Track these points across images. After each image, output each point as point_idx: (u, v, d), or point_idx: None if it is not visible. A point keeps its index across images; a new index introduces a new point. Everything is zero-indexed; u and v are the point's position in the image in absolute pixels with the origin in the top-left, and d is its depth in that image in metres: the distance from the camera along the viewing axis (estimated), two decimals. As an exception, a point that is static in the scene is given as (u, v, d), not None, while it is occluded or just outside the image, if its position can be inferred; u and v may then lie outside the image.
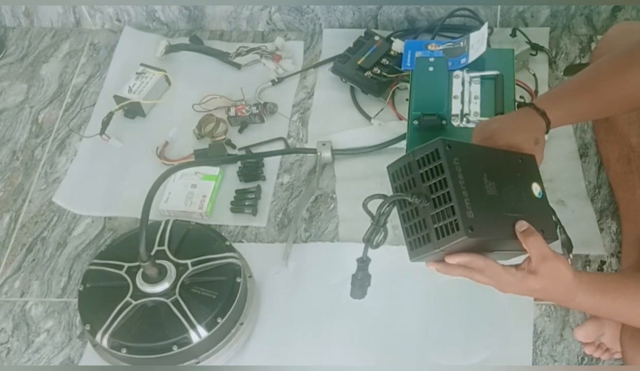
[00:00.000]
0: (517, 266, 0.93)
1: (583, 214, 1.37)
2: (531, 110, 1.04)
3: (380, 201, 0.90)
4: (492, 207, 0.90)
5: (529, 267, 0.92)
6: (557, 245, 1.02)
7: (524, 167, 0.98)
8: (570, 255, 1.04)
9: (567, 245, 1.05)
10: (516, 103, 1.12)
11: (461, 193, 0.85)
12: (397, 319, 1.28)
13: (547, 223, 0.95)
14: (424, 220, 0.88)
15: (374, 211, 0.91)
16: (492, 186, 0.91)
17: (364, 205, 0.90)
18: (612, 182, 1.37)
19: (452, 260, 0.91)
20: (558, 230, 1.02)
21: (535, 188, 0.98)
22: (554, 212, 1.02)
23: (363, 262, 0.93)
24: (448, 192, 0.85)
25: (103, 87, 1.70)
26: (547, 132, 1.05)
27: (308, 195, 1.46)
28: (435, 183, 0.87)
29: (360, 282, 0.95)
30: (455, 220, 0.84)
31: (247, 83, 1.64)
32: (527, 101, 1.08)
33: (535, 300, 1.26)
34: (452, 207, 0.85)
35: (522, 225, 0.93)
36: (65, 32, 1.84)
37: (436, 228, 0.86)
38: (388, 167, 0.93)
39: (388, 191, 0.93)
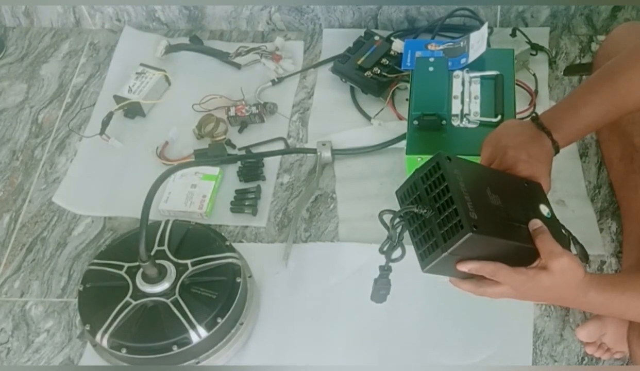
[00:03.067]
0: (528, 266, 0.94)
1: (583, 214, 1.37)
2: (543, 135, 1.04)
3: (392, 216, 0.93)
4: (496, 214, 0.91)
5: (539, 264, 0.92)
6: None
7: (529, 190, 1.00)
8: (587, 267, 1.05)
9: (583, 256, 1.05)
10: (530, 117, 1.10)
11: (463, 197, 0.88)
12: (397, 319, 1.28)
13: (558, 241, 0.95)
14: (431, 230, 0.90)
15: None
16: (495, 198, 0.93)
17: (380, 218, 0.92)
18: (614, 181, 1.37)
19: (462, 267, 0.91)
20: (571, 242, 1.03)
21: (544, 209, 0.98)
22: (565, 228, 1.02)
23: (384, 271, 0.96)
24: (450, 197, 0.88)
25: (103, 87, 1.70)
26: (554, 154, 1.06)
27: (308, 195, 1.46)
28: (438, 193, 0.89)
29: (377, 287, 0.97)
30: (460, 220, 0.86)
31: (247, 83, 1.64)
32: (536, 114, 1.08)
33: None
34: (455, 209, 0.87)
35: (535, 223, 0.94)
36: (65, 32, 1.84)
37: (442, 233, 0.89)
38: (396, 192, 0.95)
39: (388, 193, 0.93)
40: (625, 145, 1.30)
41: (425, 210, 0.89)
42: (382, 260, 0.95)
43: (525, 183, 1.00)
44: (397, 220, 0.92)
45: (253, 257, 1.34)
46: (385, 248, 0.93)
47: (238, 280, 1.24)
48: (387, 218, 0.92)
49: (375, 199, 1.42)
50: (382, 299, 0.99)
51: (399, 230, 0.93)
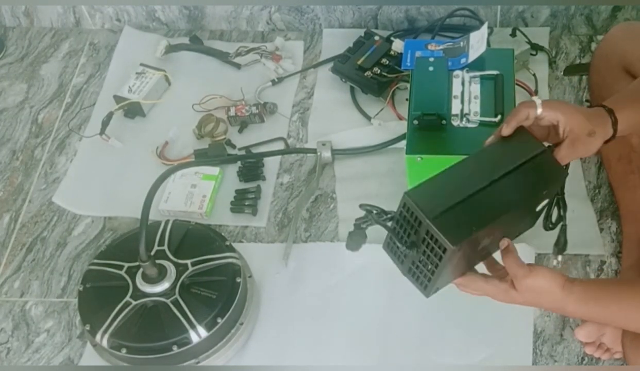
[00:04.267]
0: (500, 277, 0.95)
1: (583, 214, 1.37)
2: (600, 108, 1.02)
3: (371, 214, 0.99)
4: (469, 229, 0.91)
5: (511, 282, 0.93)
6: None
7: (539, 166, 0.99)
8: (559, 257, 1.05)
9: (560, 245, 1.05)
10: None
11: (433, 228, 0.89)
12: (397, 319, 1.28)
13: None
14: (418, 267, 0.95)
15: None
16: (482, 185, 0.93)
17: (361, 207, 0.97)
18: (612, 181, 1.37)
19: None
20: (560, 229, 1.03)
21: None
22: (563, 217, 1.04)
23: (359, 228, 1.00)
24: (427, 232, 0.90)
25: (103, 87, 1.70)
26: (614, 136, 1.02)
27: (308, 195, 1.46)
28: (410, 233, 0.94)
29: (352, 235, 1.01)
30: (440, 246, 0.89)
31: (247, 83, 1.64)
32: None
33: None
34: (434, 240, 0.90)
35: (503, 243, 0.95)
36: (65, 32, 1.84)
37: (429, 266, 0.93)
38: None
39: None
40: (623, 146, 1.30)
41: (409, 251, 0.93)
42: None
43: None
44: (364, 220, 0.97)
45: (253, 257, 1.34)
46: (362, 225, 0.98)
47: (238, 280, 1.24)
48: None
49: (375, 199, 1.40)
50: (356, 247, 1.01)
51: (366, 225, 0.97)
